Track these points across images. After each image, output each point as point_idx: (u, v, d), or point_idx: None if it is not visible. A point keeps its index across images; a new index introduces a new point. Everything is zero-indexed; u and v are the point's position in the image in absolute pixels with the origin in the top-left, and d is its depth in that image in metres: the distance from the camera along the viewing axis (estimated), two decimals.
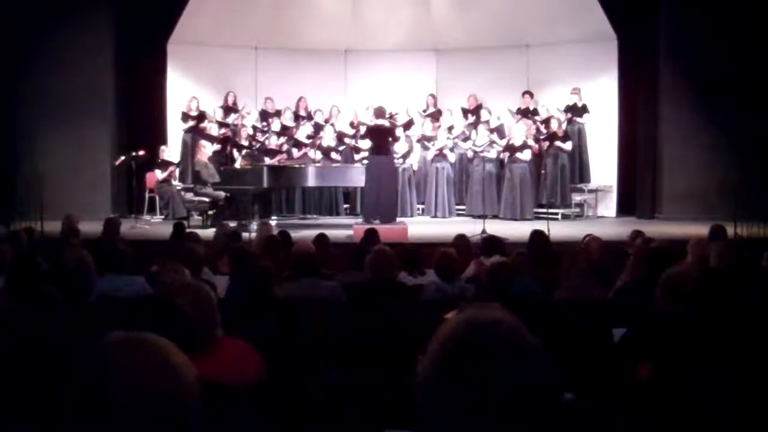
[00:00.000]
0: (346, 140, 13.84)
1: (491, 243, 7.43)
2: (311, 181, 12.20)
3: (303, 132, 13.79)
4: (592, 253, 6.82)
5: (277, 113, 14.20)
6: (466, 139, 13.81)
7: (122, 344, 1.31)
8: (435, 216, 13.57)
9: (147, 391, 1.25)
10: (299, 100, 14.37)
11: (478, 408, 1.28)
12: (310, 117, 14.24)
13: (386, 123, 12.13)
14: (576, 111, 13.48)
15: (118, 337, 1.32)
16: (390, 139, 11.85)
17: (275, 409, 2.97)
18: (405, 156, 13.61)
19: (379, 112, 11.75)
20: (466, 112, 14.16)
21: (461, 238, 7.93)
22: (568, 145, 13.16)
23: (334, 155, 13.62)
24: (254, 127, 13.93)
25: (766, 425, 2.60)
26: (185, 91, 14.03)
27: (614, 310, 4.80)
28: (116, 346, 1.30)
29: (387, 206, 11.26)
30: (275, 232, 8.30)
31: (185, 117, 13.78)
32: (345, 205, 13.97)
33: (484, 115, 13.89)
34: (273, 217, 12.77)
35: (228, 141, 13.51)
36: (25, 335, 3.24)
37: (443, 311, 4.47)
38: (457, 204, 13.81)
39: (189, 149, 13.51)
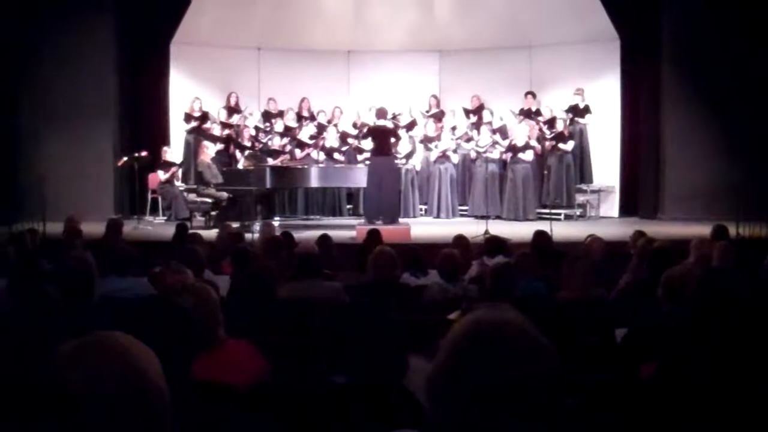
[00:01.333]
0: (349, 141, 13.83)
1: (494, 243, 7.43)
2: (314, 182, 12.19)
3: (306, 133, 13.79)
4: (594, 254, 6.81)
5: (280, 114, 14.20)
6: (469, 139, 13.81)
7: (76, 351, 1.27)
8: (438, 217, 13.55)
9: (107, 396, 1.23)
10: (302, 100, 14.37)
11: (487, 408, 1.28)
12: (312, 117, 14.23)
13: (388, 124, 12.12)
14: (578, 112, 13.46)
15: (73, 344, 1.29)
16: (392, 139, 11.84)
17: (278, 410, 2.97)
18: (408, 157, 13.60)
19: (381, 113, 11.74)
20: (468, 112, 14.15)
21: (460, 239, 7.92)
22: (568, 146, 13.15)
23: (337, 156, 13.61)
24: (257, 128, 13.93)
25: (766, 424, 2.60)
26: (188, 91, 14.03)
27: (617, 311, 4.80)
28: (70, 354, 1.27)
29: (389, 207, 11.26)
30: (278, 232, 8.31)
31: (188, 118, 13.78)
32: (348, 206, 13.96)
33: (486, 115, 13.88)
34: (276, 218, 12.75)
35: (231, 142, 13.51)
36: (28, 337, 3.24)
37: (446, 312, 4.47)
38: (460, 204, 13.80)
39: (192, 150, 13.52)
